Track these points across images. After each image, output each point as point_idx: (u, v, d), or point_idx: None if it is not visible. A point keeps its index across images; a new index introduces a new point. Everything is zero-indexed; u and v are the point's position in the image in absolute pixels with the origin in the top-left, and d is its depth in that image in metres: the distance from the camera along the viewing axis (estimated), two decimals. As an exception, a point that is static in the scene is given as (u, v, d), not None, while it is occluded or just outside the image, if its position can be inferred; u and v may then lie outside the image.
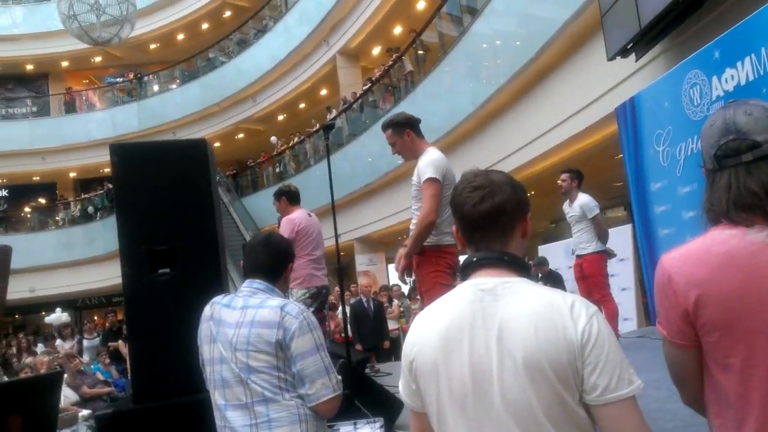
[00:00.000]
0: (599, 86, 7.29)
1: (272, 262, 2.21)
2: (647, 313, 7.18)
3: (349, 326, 6.29)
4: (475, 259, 1.32)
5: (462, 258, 1.41)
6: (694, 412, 1.40)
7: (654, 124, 5.77)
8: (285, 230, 4.84)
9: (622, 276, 8.05)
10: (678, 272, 1.27)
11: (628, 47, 6.11)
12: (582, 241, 5.94)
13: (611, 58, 6.37)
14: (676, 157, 5.43)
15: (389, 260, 16.73)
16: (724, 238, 1.25)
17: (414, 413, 1.41)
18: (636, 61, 6.30)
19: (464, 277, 1.35)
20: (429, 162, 3.41)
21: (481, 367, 1.23)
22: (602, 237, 5.89)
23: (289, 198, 5.15)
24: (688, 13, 5.36)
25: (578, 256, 6.05)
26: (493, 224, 1.31)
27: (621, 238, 8.16)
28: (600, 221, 5.90)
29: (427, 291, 3.41)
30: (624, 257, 8.02)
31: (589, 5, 6.84)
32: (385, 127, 3.69)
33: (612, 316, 5.92)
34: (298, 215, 4.98)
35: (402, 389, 1.41)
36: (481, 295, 1.27)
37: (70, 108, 23.33)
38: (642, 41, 5.94)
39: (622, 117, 6.40)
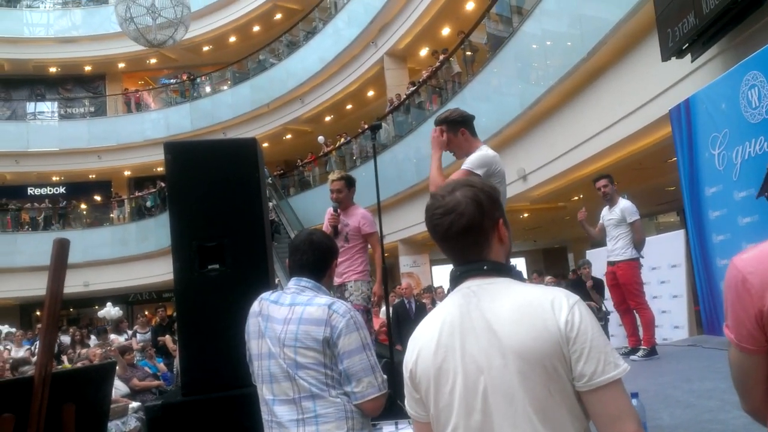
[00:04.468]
0: (653, 87, 7.10)
1: (317, 260, 2.23)
2: (699, 321, 6.97)
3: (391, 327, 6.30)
4: (459, 273, 1.41)
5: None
6: (747, 422, 1.37)
7: (710, 126, 5.59)
8: (373, 224, 4.82)
9: (673, 283, 7.84)
10: (753, 272, 1.22)
11: (684, 48, 5.94)
12: (617, 247, 5.84)
13: (666, 59, 6.21)
14: (732, 160, 5.25)
15: (433, 262, 16.69)
16: None
17: (418, 424, 1.45)
18: (692, 61, 6.12)
19: (453, 288, 1.43)
20: (475, 157, 3.27)
21: (474, 366, 1.29)
22: (638, 245, 5.78)
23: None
24: (747, 13, 5.17)
25: (611, 263, 5.94)
26: (468, 241, 1.38)
27: (674, 244, 7.93)
28: (639, 227, 5.79)
29: None
30: (676, 263, 7.80)
31: (644, 5, 6.67)
32: (439, 123, 3.51)
33: (648, 325, 5.80)
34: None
35: (407, 402, 1.45)
36: (468, 299, 1.35)
37: (128, 108, 24.10)
38: (699, 41, 5.76)
39: (676, 119, 6.23)
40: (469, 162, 3.25)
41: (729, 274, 1.27)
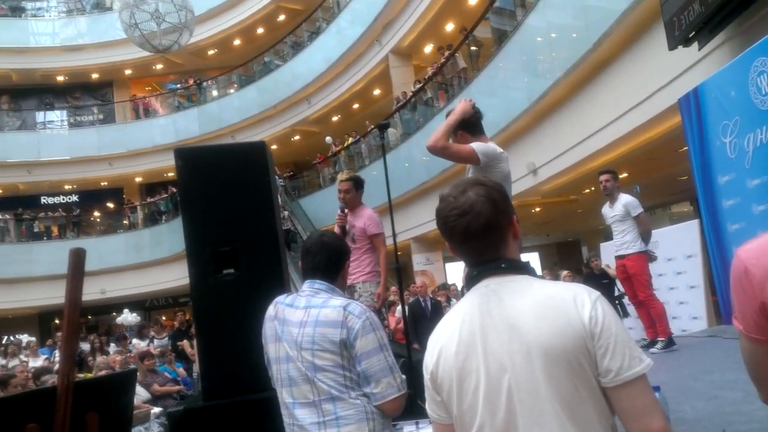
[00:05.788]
0: (661, 77, 7.05)
1: (329, 261, 2.23)
2: (717, 311, 6.92)
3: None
4: (476, 272, 1.39)
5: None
6: (772, 413, 1.35)
7: (720, 114, 5.55)
8: (378, 225, 4.80)
9: (690, 273, 7.78)
10: (755, 264, 1.22)
11: (691, 36, 5.90)
12: (626, 241, 5.90)
13: (673, 48, 6.17)
14: (744, 148, 5.21)
15: (446, 259, 16.68)
16: None
17: (440, 427, 1.44)
18: (699, 49, 6.08)
19: (469, 288, 1.41)
20: (486, 145, 3.27)
21: (497, 364, 1.28)
22: (645, 237, 5.85)
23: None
24: (753, -1, 5.14)
25: (620, 257, 5.97)
26: (484, 240, 1.37)
27: (688, 234, 7.88)
28: (644, 219, 5.85)
29: None
30: (692, 254, 7.74)
31: (648, -6, 6.64)
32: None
33: (660, 316, 5.84)
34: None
35: (428, 405, 1.44)
36: (487, 297, 1.34)
37: (136, 114, 24.21)
38: (705, 29, 5.72)
39: (686, 108, 6.19)
40: (478, 144, 3.22)
41: (733, 265, 1.28)
